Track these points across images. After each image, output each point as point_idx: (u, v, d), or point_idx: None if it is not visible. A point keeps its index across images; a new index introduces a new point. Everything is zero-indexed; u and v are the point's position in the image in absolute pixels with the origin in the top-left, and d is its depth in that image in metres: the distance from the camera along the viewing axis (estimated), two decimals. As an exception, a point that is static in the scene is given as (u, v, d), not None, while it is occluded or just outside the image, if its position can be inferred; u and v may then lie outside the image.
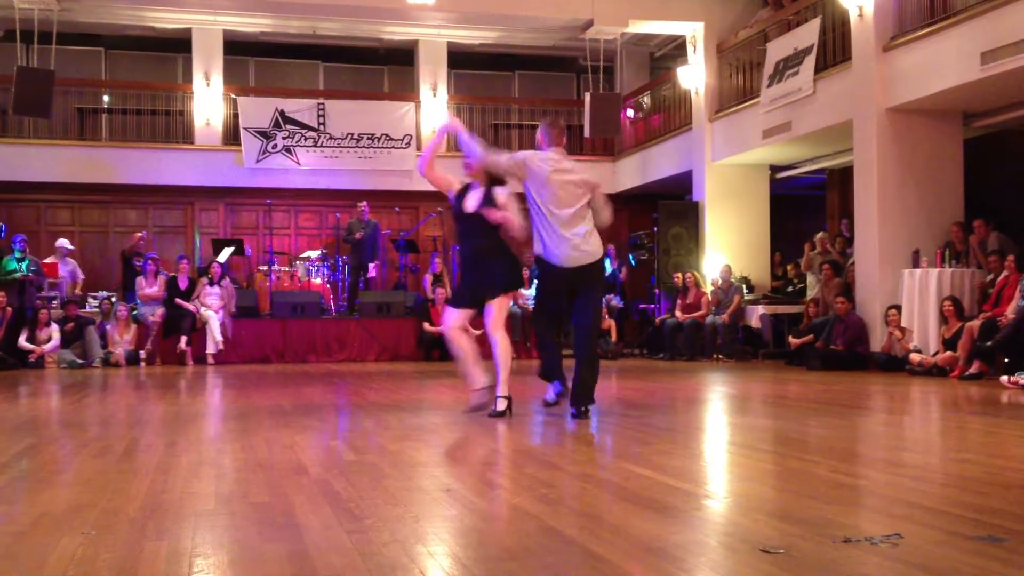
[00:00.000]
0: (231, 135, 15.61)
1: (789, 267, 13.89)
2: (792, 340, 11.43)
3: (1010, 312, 8.79)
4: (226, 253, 13.82)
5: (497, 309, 5.74)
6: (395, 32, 16.05)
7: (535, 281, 6.30)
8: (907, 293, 10.16)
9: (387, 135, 15.77)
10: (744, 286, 13.29)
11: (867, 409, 6.73)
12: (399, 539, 2.77)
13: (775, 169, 14.28)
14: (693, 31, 14.34)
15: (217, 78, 15.54)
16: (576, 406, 5.72)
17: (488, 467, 4.25)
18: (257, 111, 15.43)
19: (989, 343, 8.60)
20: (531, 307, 12.94)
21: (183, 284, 12.68)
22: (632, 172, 16.29)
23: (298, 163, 15.51)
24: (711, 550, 2.65)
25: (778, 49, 12.18)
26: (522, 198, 5.85)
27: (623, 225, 16.40)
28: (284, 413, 6.24)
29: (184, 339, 12.31)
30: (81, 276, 13.88)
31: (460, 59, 17.00)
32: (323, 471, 3.92)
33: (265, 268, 14.07)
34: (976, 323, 8.97)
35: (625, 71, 17.28)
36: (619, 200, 16.39)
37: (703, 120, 14.02)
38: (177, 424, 5.76)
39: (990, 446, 4.81)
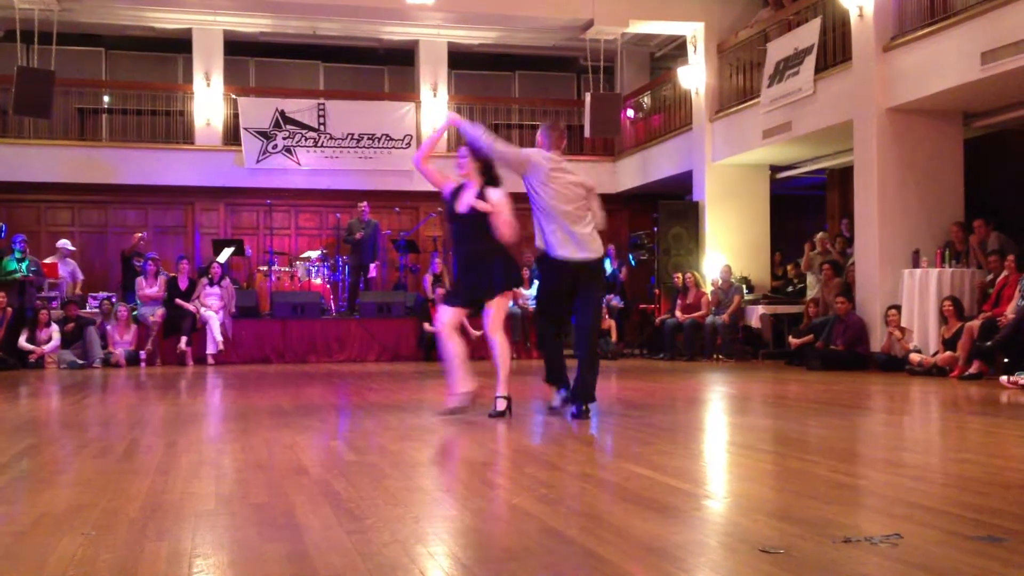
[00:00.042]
0: (231, 135, 15.61)
1: (789, 267, 13.89)
2: (792, 340, 11.43)
3: (1010, 312, 8.79)
4: (226, 253, 13.82)
5: (496, 310, 5.74)
6: (395, 32, 16.05)
7: (535, 281, 6.32)
8: (907, 293, 10.16)
9: (387, 135, 15.77)
10: (744, 286, 13.29)
11: (867, 409, 6.73)
12: (399, 539, 2.77)
13: (775, 169, 14.28)
14: (693, 31, 14.34)
15: (217, 78, 15.54)
16: (577, 405, 5.74)
17: (488, 467, 4.25)
18: (257, 111, 15.43)
19: (989, 343, 8.60)
20: (531, 307, 13.01)
21: (183, 284, 12.68)
22: (632, 172, 16.29)
23: (298, 163, 15.51)
24: (711, 550, 2.65)
25: (778, 49, 12.18)
26: (520, 198, 5.85)
27: (623, 225, 16.41)
28: (284, 413, 6.24)
29: (184, 339, 12.31)
30: (81, 277, 13.88)
31: (460, 59, 17.00)
32: (323, 471, 3.92)
33: (265, 268, 14.07)
34: (976, 323, 8.97)
35: (625, 71, 17.29)
36: (619, 200, 16.43)
37: (703, 120, 14.03)
38: (177, 424, 5.77)
39: (990, 446, 4.81)
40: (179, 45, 16.03)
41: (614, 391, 7.81)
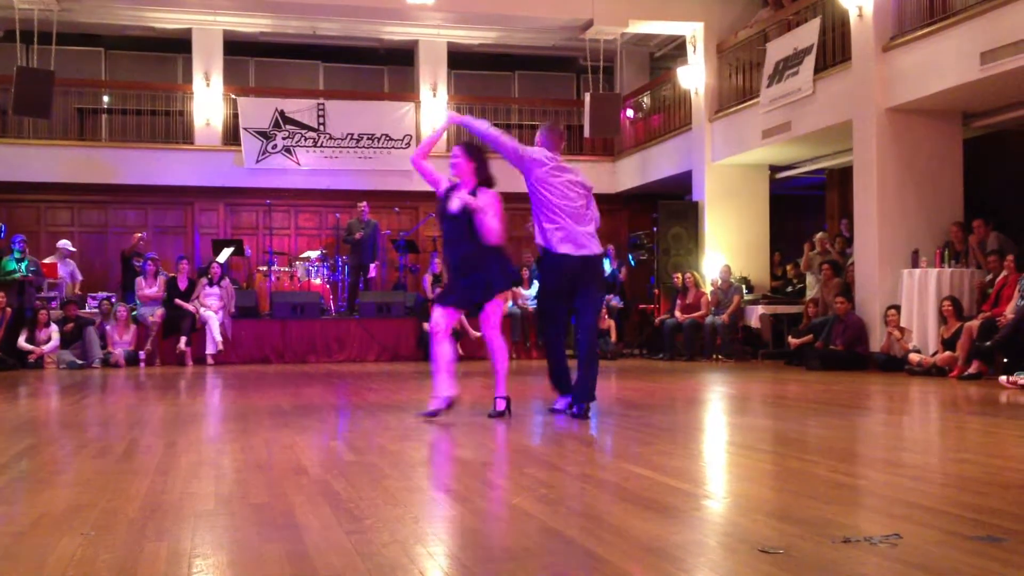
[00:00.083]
0: (231, 135, 15.61)
1: (789, 267, 13.90)
2: (791, 340, 11.44)
3: (1009, 312, 8.80)
4: (226, 253, 13.82)
5: (493, 311, 5.73)
6: (395, 32, 16.05)
7: (535, 282, 6.33)
8: (906, 293, 10.17)
9: (387, 135, 15.77)
10: (744, 286, 13.29)
11: (866, 409, 6.73)
12: (399, 539, 2.77)
13: (775, 169, 14.29)
14: (693, 31, 14.34)
15: (217, 78, 15.54)
16: (577, 404, 5.76)
17: (488, 467, 4.25)
18: (257, 111, 15.43)
19: (988, 343, 8.61)
20: (531, 307, 13.02)
21: (183, 284, 12.68)
22: (632, 172, 16.29)
23: (298, 163, 15.51)
24: (710, 550, 2.65)
25: (778, 49, 12.19)
26: (517, 198, 5.86)
27: (623, 225, 16.42)
28: (284, 413, 6.24)
29: (184, 339, 12.31)
30: (79, 277, 13.88)
31: (460, 59, 17.01)
32: (323, 471, 3.92)
33: (265, 268, 14.07)
34: (975, 323, 8.97)
35: (625, 71, 17.29)
36: (619, 200, 16.43)
37: (703, 120, 14.03)
38: (177, 425, 5.77)
39: (989, 446, 4.81)
40: (179, 45, 16.03)
41: (614, 391, 7.81)
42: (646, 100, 16.34)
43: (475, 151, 5.73)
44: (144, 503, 3.28)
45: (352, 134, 15.67)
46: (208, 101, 15.47)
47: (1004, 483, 3.63)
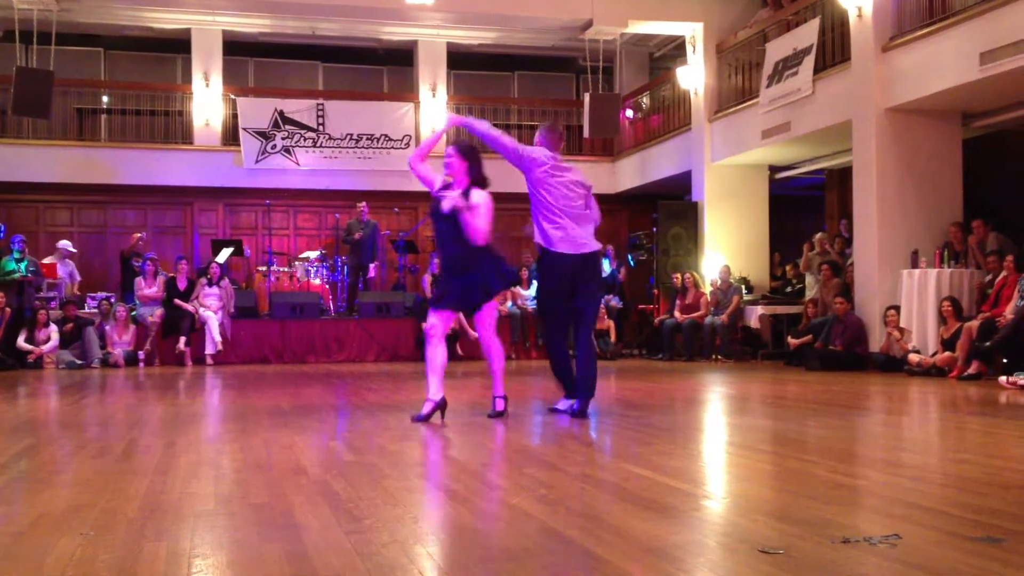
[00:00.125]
0: (230, 135, 15.60)
1: (788, 267, 13.90)
2: (791, 340, 11.43)
3: (1009, 312, 8.80)
4: (225, 254, 13.82)
5: (488, 312, 5.71)
6: (394, 32, 16.05)
7: (534, 282, 6.34)
8: (906, 293, 10.17)
9: (386, 135, 15.77)
10: (743, 286, 13.29)
11: (866, 409, 6.73)
12: (398, 539, 2.77)
13: (774, 169, 14.29)
14: (692, 31, 14.35)
15: (216, 78, 15.54)
16: (578, 400, 5.80)
17: (488, 467, 4.25)
18: (256, 111, 15.43)
19: (988, 343, 8.61)
20: (531, 308, 13.01)
21: (182, 285, 12.68)
22: (631, 172, 16.29)
23: (297, 163, 15.51)
24: (710, 550, 2.65)
25: (777, 49, 12.19)
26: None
27: (622, 225, 16.42)
28: (283, 414, 6.24)
29: (183, 340, 12.30)
30: (78, 278, 13.88)
31: (459, 59, 17.00)
32: (322, 472, 3.92)
33: (264, 269, 14.06)
34: (975, 323, 8.97)
35: (624, 71, 17.29)
36: (618, 200, 16.43)
37: (702, 120, 14.03)
38: (176, 425, 5.76)
39: (989, 446, 4.81)
40: (178, 45, 16.02)
41: (613, 391, 7.81)
42: (645, 100, 16.34)
43: (469, 151, 5.69)
44: (143, 503, 3.28)
45: (351, 134, 15.67)
46: (207, 101, 15.47)
47: (1004, 483, 3.63)
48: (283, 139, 15.44)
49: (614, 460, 4.45)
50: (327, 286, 14.28)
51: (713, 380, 9.33)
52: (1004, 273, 9.28)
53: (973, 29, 9.10)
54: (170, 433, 5.29)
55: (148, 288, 12.65)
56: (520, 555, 2.58)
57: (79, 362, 11.75)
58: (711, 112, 13.96)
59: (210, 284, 12.58)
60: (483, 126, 5.94)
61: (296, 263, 14.55)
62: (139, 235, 14.38)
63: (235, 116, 15.49)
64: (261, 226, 15.38)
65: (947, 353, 9.14)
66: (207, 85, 15.45)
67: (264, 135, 15.38)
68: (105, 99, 15.93)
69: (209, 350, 12.34)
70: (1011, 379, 7.88)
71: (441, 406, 5.62)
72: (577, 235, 5.87)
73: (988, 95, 9.82)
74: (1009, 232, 10.24)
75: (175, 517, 3.08)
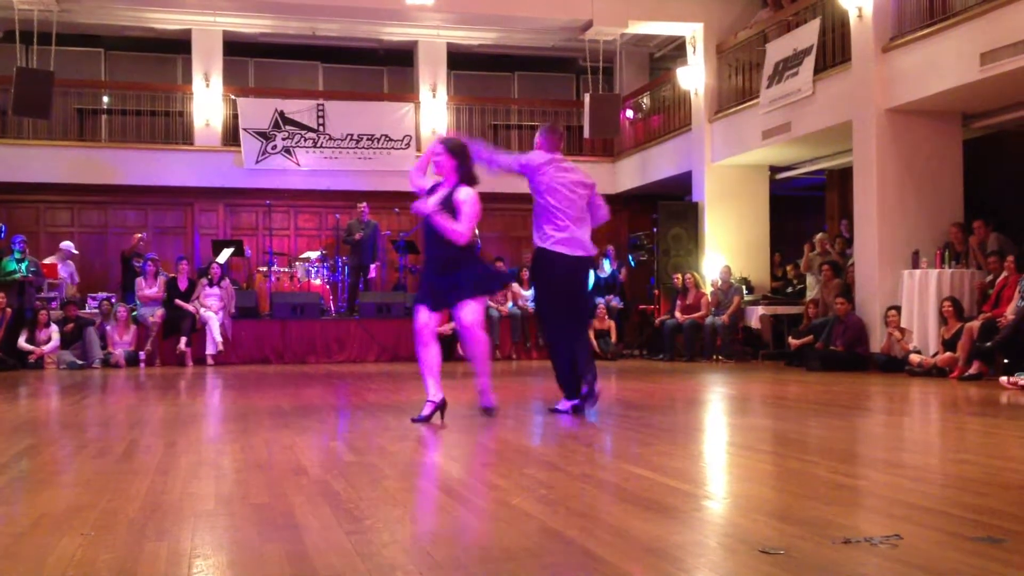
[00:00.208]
0: (231, 136, 15.61)
1: (789, 268, 13.90)
2: (792, 341, 11.43)
3: (1009, 313, 8.80)
4: (226, 254, 13.83)
5: (472, 307, 5.60)
6: (394, 33, 16.06)
7: (534, 283, 6.36)
8: (907, 294, 10.17)
9: (387, 136, 15.77)
10: (744, 287, 13.29)
11: (866, 410, 6.73)
12: (398, 540, 2.77)
13: (775, 170, 14.29)
14: (693, 32, 14.35)
15: (217, 79, 15.54)
16: (588, 385, 5.92)
17: (488, 467, 4.24)
18: (256, 112, 15.43)
19: (988, 344, 8.61)
20: (531, 308, 13.01)
21: (183, 285, 12.68)
22: (632, 173, 16.30)
23: (298, 164, 15.51)
24: (710, 551, 2.65)
25: (777, 50, 12.19)
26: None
27: (623, 226, 16.41)
28: (283, 414, 6.24)
29: (184, 340, 12.31)
30: (77, 280, 13.89)
31: (459, 60, 17.01)
32: (323, 472, 3.92)
33: (265, 269, 14.07)
34: (975, 324, 8.97)
35: (625, 72, 17.29)
36: (619, 201, 16.41)
37: (702, 121, 14.03)
38: (177, 425, 5.76)
39: (989, 447, 4.81)
40: (178, 46, 16.03)
41: (614, 392, 7.81)
42: (646, 101, 16.34)
43: (458, 149, 5.66)
44: (144, 503, 3.28)
45: (352, 135, 15.67)
46: (208, 102, 15.48)
47: (1004, 484, 3.63)
48: (283, 139, 15.44)
49: (614, 460, 4.45)
50: (328, 286, 14.29)
51: (714, 380, 9.33)
52: (1005, 274, 9.28)
53: (973, 29, 9.10)
54: (171, 433, 5.29)
55: (149, 288, 12.65)
56: (520, 555, 2.58)
57: (80, 362, 11.75)
58: (711, 112, 13.96)
59: (211, 284, 12.59)
60: (479, 147, 5.88)
61: (297, 263, 14.55)
62: (140, 235, 14.38)
63: (235, 116, 15.49)
64: (262, 226, 15.38)
65: (948, 353, 9.14)
66: (207, 85, 15.45)
67: (264, 135, 15.38)
68: (105, 99, 15.93)
69: (210, 350, 12.35)
70: (1012, 379, 7.88)
71: (441, 407, 5.62)
72: (577, 237, 5.93)
73: (988, 96, 9.82)
74: (1009, 232, 10.24)
75: (176, 517, 3.08)
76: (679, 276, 13.43)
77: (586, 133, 14.91)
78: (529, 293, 13.12)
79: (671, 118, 15.16)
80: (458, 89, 17.33)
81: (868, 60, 10.45)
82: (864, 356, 10.39)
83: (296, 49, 16.90)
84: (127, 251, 14.12)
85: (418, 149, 15.13)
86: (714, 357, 12.56)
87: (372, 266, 14.40)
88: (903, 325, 9.99)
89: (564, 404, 6.05)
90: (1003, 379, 8.01)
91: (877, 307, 10.48)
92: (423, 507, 3.34)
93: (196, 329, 12.45)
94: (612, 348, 13.18)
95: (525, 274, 13.26)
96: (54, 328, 11.88)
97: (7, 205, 14.86)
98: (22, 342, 11.75)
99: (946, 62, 9.46)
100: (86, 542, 2.74)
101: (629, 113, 16.45)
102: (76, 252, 13.84)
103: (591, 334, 12.87)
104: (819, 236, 12.61)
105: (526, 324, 13.45)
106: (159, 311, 12.42)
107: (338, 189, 15.67)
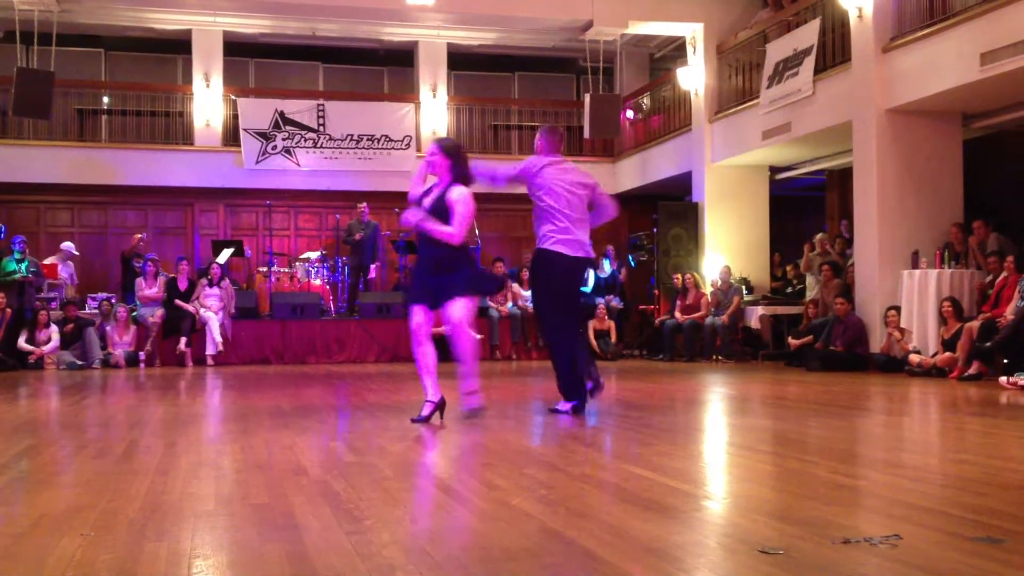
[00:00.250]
0: (231, 136, 15.61)
1: (788, 268, 13.90)
2: (791, 341, 11.44)
3: (1009, 313, 8.80)
4: (226, 254, 13.83)
5: (462, 306, 5.58)
6: (395, 33, 16.06)
7: (533, 282, 6.39)
8: (906, 294, 10.17)
9: (387, 136, 15.77)
10: (744, 287, 13.30)
11: (866, 410, 6.73)
12: (398, 540, 2.77)
13: (775, 170, 14.29)
14: (693, 32, 14.35)
15: (217, 79, 15.54)
16: (591, 383, 6.00)
17: (488, 467, 4.24)
18: (257, 112, 15.43)
19: (988, 344, 8.61)
20: (531, 308, 13.00)
21: (183, 285, 12.68)
22: (632, 173, 16.30)
23: (298, 164, 15.51)
24: (710, 551, 2.65)
25: (777, 50, 12.19)
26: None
27: (623, 226, 16.40)
28: (283, 414, 6.24)
29: (184, 340, 12.31)
30: (76, 281, 13.88)
31: (460, 60, 17.01)
32: (323, 472, 3.92)
33: (265, 269, 14.07)
34: (975, 324, 8.97)
35: (625, 72, 17.29)
36: (619, 201, 16.34)
37: (703, 121, 14.03)
38: (176, 425, 5.76)
39: (989, 447, 4.81)
40: (178, 46, 16.03)
41: (614, 392, 7.81)
42: (646, 101, 16.34)
43: (452, 149, 5.66)
44: (144, 504, 3.28)
45: (352, 135, 15.67)
46: (208, 102, 15.48)
47: (1004, 484, 3.63)
48: (283, 140, 15.45)
49: (614, 460, 4.45)
50: (328, 287, 14.29)
51: (714, 381, 9.33)
52: (1004, 274, 9.28)
53: (973, 30, 9.10)
54: (171, 434, 5.29)
55: (149, 289, 12.65)
56: (520, 555, 2.58)
57: (80, 363, 11.75)
58: (711, 113, 13.96)
59: (211, 285, 12.59)
60: (477, 167, 5.88)
61: (297, 264, 14.55)
62: (140, 236, 14.38)
63: (235, 117, 15.49)
64: (262, 227, 15.38)
65: (947, 354, 9.15)
66: (208, 86, 15.45)
67: (264, 136, 15.38)
68: (106, 100, 15.92)
69: (210, 351, 12.35)
70: (1011, 379, 7.88)
71: (440, 407, 5.62)
72: (577, 239, 5.96)
73: (988, 96, 9.82)
74: (1009, 233, 10.24)
75: (176, 517, 3.08)
76: (679, 276, 13.43)
77: (586, 133, 14.91)
78: (529, 293, 13.12)
79: (671, 118, 15.16)
80: (458, 89, 17.34)
81: (868, 60, 10.45)
82: (864, 356, 10.39)
83: (296, 49, 16.91)
84: (127, 251, 14.12)
85: (418, 149, 15.13)
86: (714, 357, 12.57)
87: (372, 266, 14.40)
88: (903, 325, 9.99)
89: (564, 404, 6.05)
90: (1003, 379, 8.01)
91: (877, 307, 10.48)
92: (423, 507, 3.34)
93: (196, 329, 12.45)
94: (612, 348, 13.18)
95: (525, 274, 13.25)
96: (54, 328, 11.88)
97: (7, 205, 14.86)
98: (22, 342, 11.75)
99: (946, 62, 9.46)
100: (86, 542, 2.74)
101: (629, 113, 16.45)
102: (77, 253, 13.84)
103: (591, 334, 12.91)
104: (819, 236, 12.61)
105: (526, 324, 13.45)
106: (159, 311, 12.42)
107: (338, 189, 15.67)
